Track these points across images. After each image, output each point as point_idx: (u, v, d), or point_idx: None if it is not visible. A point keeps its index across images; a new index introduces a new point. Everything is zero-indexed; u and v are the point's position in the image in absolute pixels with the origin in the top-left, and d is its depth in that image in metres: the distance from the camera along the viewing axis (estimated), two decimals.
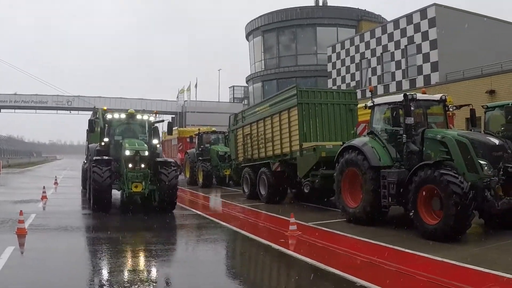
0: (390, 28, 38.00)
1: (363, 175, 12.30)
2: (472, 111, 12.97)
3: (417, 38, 34.90)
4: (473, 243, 10.28)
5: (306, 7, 54.34)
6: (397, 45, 37.01)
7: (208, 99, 78.43)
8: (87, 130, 23.50)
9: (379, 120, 13.26)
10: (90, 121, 18.57)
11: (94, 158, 15.66)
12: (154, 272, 8.41)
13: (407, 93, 12.10)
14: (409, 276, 7.61)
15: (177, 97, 74.14)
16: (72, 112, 72.03)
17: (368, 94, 15.29)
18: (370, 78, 40.09)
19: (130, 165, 15.18)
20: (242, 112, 21.86)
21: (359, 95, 28.96)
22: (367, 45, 40.58)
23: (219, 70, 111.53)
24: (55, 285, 7.47)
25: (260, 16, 56.38)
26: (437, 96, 12.81)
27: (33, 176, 38.79)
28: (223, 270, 9.12)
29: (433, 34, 33.53)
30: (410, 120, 11.67)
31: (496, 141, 10.93)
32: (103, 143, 16.89)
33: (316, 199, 17.16)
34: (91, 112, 30.94)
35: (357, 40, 42.43)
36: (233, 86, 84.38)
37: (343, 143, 13.93)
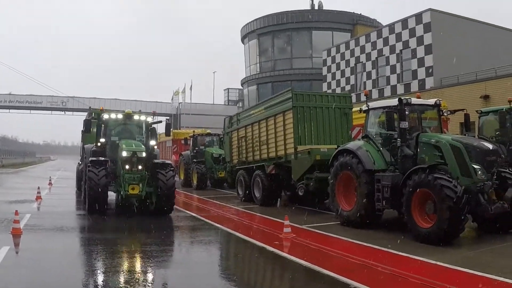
0: (385, 32, 38.18)
1: (358, 179, 12.36)
2: (466, 116, 13.08)
3: (412, 42, 35.09)
4: (467, 246, 10.35)
5: (302, 10, 54.48)
6: (392, 49, 37.18)
7: (202, 102, 78.50)
8: (82, 130, 23.33)
9: (374, 124, 13.33)
10: (86, 121, 18.26)
11: (90, 159, 15.35)
12: (149, 273, 8.43)
13: (402, 98, 12.18)
14: (403, 279, 7.66)
15: (172, 99, 74.19)
16: (67, 113, 72.03)
17: (363, 98, 15.33)
18: (365, 82, 40.26)
19: (127, 167, 14.80)
20: (237, 115, 21.87)
21: (353, 99, 29.05)
22: (362, 49, 40.75)
23: (214, 73, 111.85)
24: (51, 285, 7.48)
25: (256, 19, 56.48)
26: (431, 101, 12.91)
27: (27, 177, 38.66)
28: (218, 271, 9.15)
29: (428, 39, 33.73)
30: (405, 124, 11.73)
31: (490, 146, 11.01)
32: (99, 144, 16.48)
33: (310, 202, 17.18)
34: (85, 113, 30.87)
35: (352, 44, 42.59)
36: (228, 89, 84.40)
37: (338, 146, 13.99)
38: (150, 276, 8.20)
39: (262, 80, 56.06)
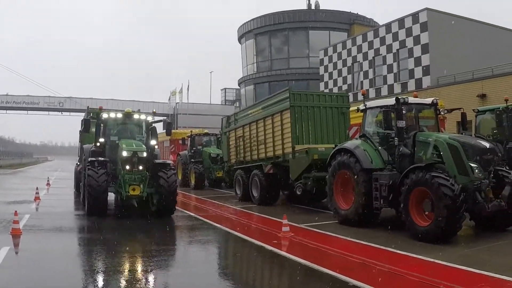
0: (382, 32, 38.25)
1: (355, 178, 12.40)
2: (463, 115, 13.12)
3: (409, 42, 35.15)
4: (464, 244, 10.40)
5: (299, 10, 54.56)
6: (389, 49, 37.24)
7: (199, 102, 78.40)
8: (80, 130, 23.25)
9: (371, 123, 13.39)
10: (86, 121, 17.89)
11: (89, 159, 14.96)
12: (148, 272, 8.46)
13: (399, 97, 12.22)
14: (401, 277, 7.73)
15: (169, 99, 74.10)
16: (64, 113, 71.97)
17: (360, 97, 15.38)
18: (362, 82, 40.32)
19: (127, 167, 14.47)
20: (234, 115, 21.92)
21: (351, 98, 29.16)
22: (359, 49, 40.81)
23: (211, 72, 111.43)
24: (51, 285, 7.51)
25: (253, 19, 56.51)
26: (428, 100, 12.97)
27: (25, 177, 38.64)
28: (218, 270, 9.19)
29: (425, 38, 33.79)
30: (402, 124, 11.79)
31: (487, 145, 11.07)
32: (98, 144, 16.06)
33: (308, 201, 17.25)
34: (82, 114, 30.79)
35: (349, 43, 42.65)
36: (225, 89, 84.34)
37: (335, 145, 14.04)
38: (149, 275, 8.23)
39: (259, 80, 56.11)
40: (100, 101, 64.00)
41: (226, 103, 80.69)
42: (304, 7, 55.98)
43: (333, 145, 14.55)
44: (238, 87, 67.27)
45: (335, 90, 42.42)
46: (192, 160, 28.03)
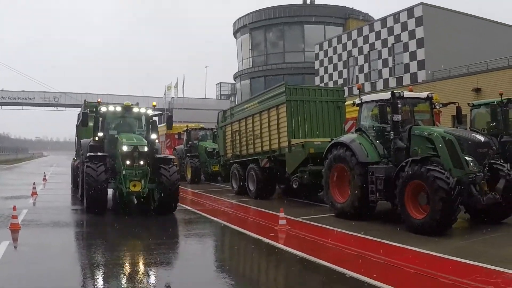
0: (377, 26, 38.32)
1: (351, 171, 12.49)
2: (458, 109, 13.21)
3: (404, 36, 35.26)
4: (459, 236, 10.52)
5: (294, 5, 54.48)
6: (384, 43, 37.34)
7: (195, 96, 78.41)
8: (76, 125, 23.17)
9: (367, 117, 13.46)
10: (84, 114, 16.91)
11: (88, 154, 14.44)
12: (147, 266, 8.50)
13: (394, 91, 12.30)
14: (397, 268, 7.83)
15: (164, 93, 74.02)
16: (59, 108, 71.85)
17: (356, 91, 15.44)
18: (357, 76, 40.42)
19: (127, 162, 13.90)
20: (230, 109, 21.93)
21: (346, 93, 29.23)
22: (355, 43, 40.88)
23: (206, 67, 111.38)
24: (51, 279, 7.58)
25: (248, 14, 56.42)
26: (423, 94, 13.05)
27: (21, 173, 38.67)
28: (215, 263, 9.27)
29: (420, 32, 33.89)
30: (397, 117, 11.84)
31: (482, 138, 11.15)
32: (96, 138, 15.51)
33: (304, 195, 17.34)
34: (78, 109, 30.68)
35: (344, 38, 42.71)
36: (220, 83, 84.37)
37: (331, 139, 14.11)
38: (148, 269, 8.29)
39: (254, 74, 56.06)
40: (96, 96, 63.77)
41: (222, 98, 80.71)
42: (300, 1, 55.98)
43: (329, 139, 14.58)
44: (233, 82, 67.18)
45: (331, 84, 42.47)
46: (188, 154, 28.09)
